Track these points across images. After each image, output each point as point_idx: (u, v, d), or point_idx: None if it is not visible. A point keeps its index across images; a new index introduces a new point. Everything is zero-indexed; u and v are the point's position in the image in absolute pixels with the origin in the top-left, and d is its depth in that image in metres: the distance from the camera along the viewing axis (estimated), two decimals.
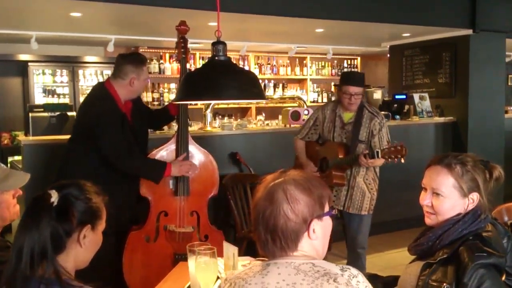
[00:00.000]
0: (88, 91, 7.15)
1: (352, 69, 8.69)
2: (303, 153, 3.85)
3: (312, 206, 1.38)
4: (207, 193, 3.47)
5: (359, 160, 3.37)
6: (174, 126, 4.80)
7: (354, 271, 1.36)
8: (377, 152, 3.29)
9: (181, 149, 3.37)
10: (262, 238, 1.39)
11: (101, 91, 3.31)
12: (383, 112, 5.70)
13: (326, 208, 1.43)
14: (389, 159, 3.27)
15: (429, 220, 1.85)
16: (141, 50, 7.08)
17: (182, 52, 3.44)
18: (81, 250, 1.51)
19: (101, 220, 1.58)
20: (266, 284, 1.34)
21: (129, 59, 3.34)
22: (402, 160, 3.22)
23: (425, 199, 1.84)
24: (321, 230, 1.41)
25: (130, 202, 3.37)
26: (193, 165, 3.37)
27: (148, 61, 7.20)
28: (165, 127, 4.88)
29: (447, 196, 1.78)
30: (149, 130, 3.67)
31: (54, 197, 1.44)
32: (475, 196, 1.78)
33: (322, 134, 3.78)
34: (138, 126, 3.38)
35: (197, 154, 3.47)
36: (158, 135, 4.49)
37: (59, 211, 1.44)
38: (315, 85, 8.76)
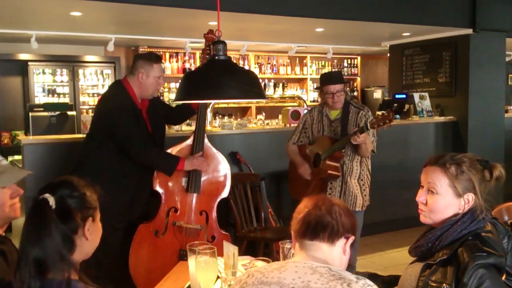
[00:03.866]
0: (88, 91, 7.23)
1: (333, 70, 8.61)
2: (297, 155, 3.89)
3: (350, 226, 1.58)
4: (217, 194, 3.52)
5: (351, 139, 3.42)
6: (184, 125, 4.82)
7: (369, 281, 1.44)
8: (366, 124, 3.38)
9: (197, 148, 3.44)
10: (312, 224, 1.55)
11: (117, 87, 3.42)
12: (383, 112, 5.74)
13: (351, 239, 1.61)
14: (379, 127, 3.38)
15: (423, 218, 1.86)
16: (141, 49, 7.09)
17: (207, 59, 3.48)
18: (87, 243, 1.55)
19: (97, 210, 1.60)
20: (282, 278, 1.44)
21: (140, 55, 3.51)
22: (391, 125, 3.34)
23: (420, 195, 1.85)
24: (348, 251, 1.59)
25: (142, 196, 3.46)
26: (204, 161, 3.42)
27: None
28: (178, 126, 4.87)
29: (442, 194, 1.78)
30: (166, 128, 3.75)
31: (51, 201, 1.45)
32: (470, 197, 1.77)
33: (312, 136, 3.86)
34: (153, 124, 3.44)
35: (212, 155, 3.53)
36: (174, 133, 4.49)
37: (59, 213, 1.45)
38: (315, 84, 8.76)
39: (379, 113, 5.77)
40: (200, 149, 3.44)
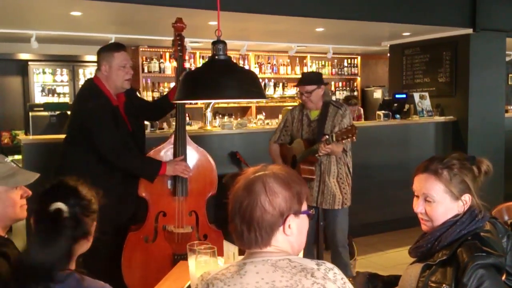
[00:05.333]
0: None
1: (317, 70, 8.42)
2: (278, 157, 3.93)
3: (290, 201, 1.39)
4: (205, 193, 3.44)
5: (319, 150, 3.45)
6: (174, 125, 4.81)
7: (329, 264, 1.38)
8: (332, 135, 3.40)
9: (179, 149, 3.32)
10: (238, 229, 1.40)
11: (90, 86, 3.28)
12: (383, 111, 5.75)
13: (304, 207, 1.44)
14: (343, 140, 3.39)
15: (425, 227, 1.84)
16: (141, 49, 7.10)
17: (178, 50, 3.38)
18: (88, 243, 1.63)
19: (96, 213, 1.67)
20: (245, 284, 1.33)
21: (100, 48, 3.29)
22: (354, 138, 3.36)
23: (418, 206, 1.83)
24: (296, 227, 1.41)
25: (128, 201, 3.32)
26: (187, 166, 3.31)
27: (148, 60, 7.21)
28: (165, 126, 4.88)
29: (439, 202, 1.77)
30: (146, 128, 3.65)
31: (65, 210, 1.49)
32: (467, 197, 1.77)
33: (292, 135, 3.89)
34: (132, 121, 3.32)
35: (195, 153, 3.43)
36: (156, 134, 4.49)
37: (72, 219, 1.50)
38: None
39: (380, 113, 5.78)
40: (183, 149, 3.31)
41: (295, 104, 6.98)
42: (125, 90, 3.30)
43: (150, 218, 3.33)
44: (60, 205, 1.48)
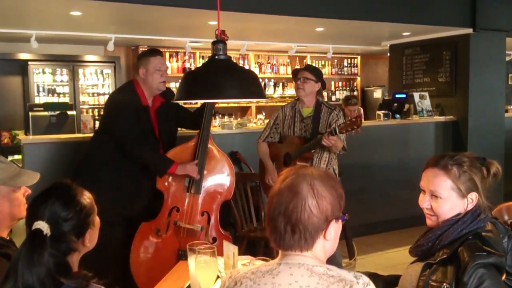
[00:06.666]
0: (88, 90, 7.24)
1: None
2: (267, 156, 3.91)
3: (334, 206, 1.37)
4: (220, 196, 3.50)
5: (322, 141, 3.46)
6: None
7: (366, 278, 1.35)
8: (334, 128, 3.43)
9: (199, 148, 3.42)
10: (281, 229, 1.35)
11: (125, 85, 3.63)
12: (383, 111, 5.75)
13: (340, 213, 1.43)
14: (347, 132, 3.42)
15: (430, 222, 1.84)
16: (141, 49, 7.09)
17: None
18: (86, 248, 1.57)
19: (94, 213, 1.59)
20: (277, 285, 1.31)
21: (139, 55, 3.62)
22: (359, 130, 3.36)
23: (424, 201, 1.83)
24: (334, 232, 1.39)
25: (143, 193, 3.47)
26: (196, 170, 3.38)
27: None
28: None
29: (446, 198, 1.78)
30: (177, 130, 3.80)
31: (45, 229, 1.42)
32: (473, 196, 1.78)
33: (282, 132, 3.89)
34: (161, 125, 3.49)
35: (216, 157, 3.51)
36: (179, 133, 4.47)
37: (54, 239, 1.43)
38: None
39: (380, 112, 5.78)
40: (202, 157, 3.41)
41: None
42: (165, 96, 3.54)
43: (164, 212, 3.44)
44: (40, 224, 1.42)
